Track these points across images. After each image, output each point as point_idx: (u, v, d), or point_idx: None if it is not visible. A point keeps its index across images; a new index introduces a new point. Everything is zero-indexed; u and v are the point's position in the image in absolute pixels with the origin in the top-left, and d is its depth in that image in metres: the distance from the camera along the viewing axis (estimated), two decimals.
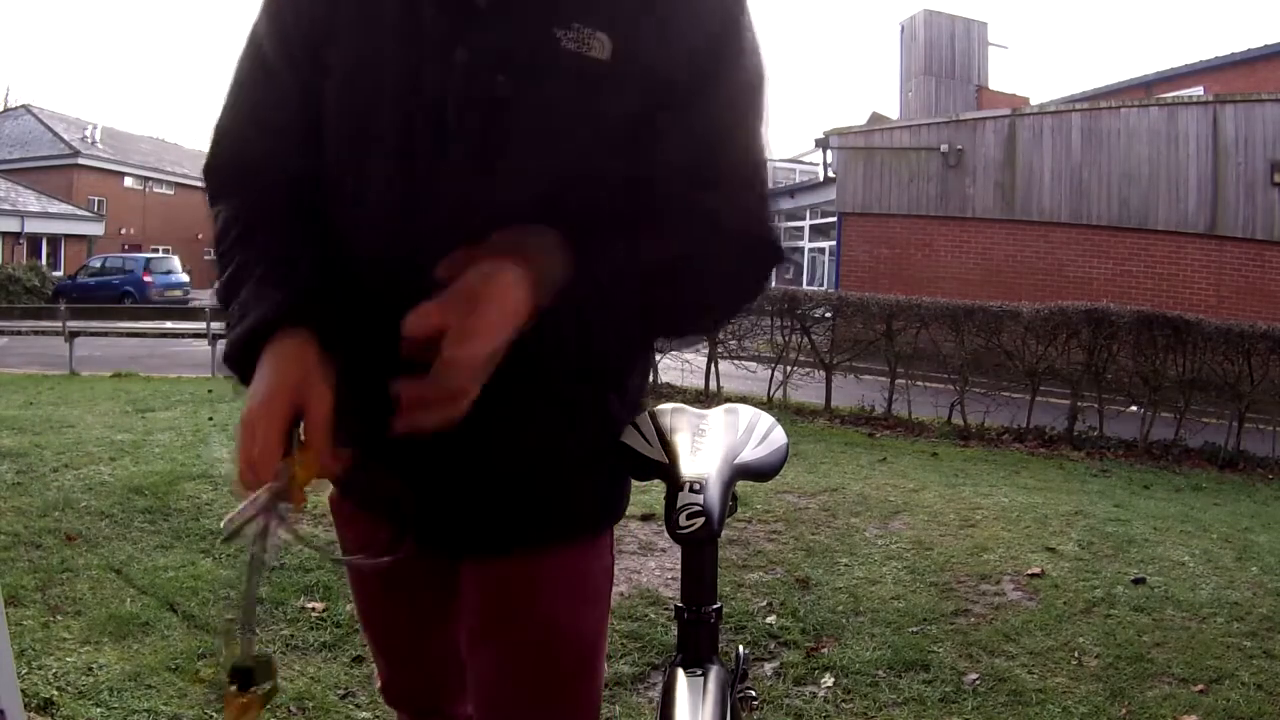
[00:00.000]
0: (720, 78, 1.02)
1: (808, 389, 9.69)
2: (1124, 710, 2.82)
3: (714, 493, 1.13)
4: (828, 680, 2.94)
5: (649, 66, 1.00)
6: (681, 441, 1.27)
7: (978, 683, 2.96)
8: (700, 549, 1.20)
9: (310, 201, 1.08)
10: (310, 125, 1.08)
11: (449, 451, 1.05)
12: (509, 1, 0.99)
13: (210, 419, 6.68)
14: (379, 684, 1.40)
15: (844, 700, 2.83)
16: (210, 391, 8.76)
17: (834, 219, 19.35)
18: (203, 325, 13.17)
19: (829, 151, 19.33)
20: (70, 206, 33.03)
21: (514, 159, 1.00)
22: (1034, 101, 21.47)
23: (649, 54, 1.00)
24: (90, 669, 2.69)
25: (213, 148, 1.13)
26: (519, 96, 0.99)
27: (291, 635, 3.02)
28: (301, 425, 0.95)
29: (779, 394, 9.63)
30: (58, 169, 34.51)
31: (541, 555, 1.14)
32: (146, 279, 27.48)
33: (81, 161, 35.41)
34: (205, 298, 27.45)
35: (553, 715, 1.18)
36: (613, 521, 1.22)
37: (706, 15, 1.02)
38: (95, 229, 33.70)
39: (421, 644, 1.31)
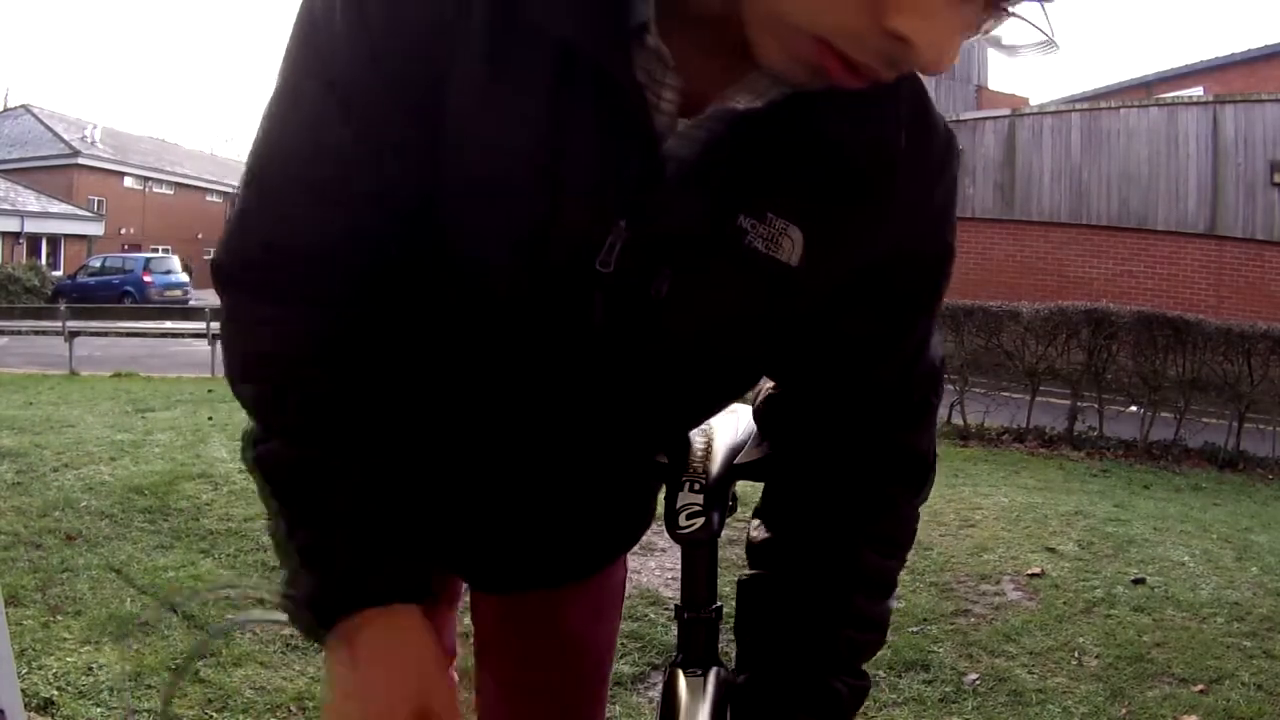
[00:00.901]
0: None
1: None
2: (1124, 710, 2.82)
3: (714, 493, 1.13)
4: None
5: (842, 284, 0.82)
6: (682, 442, 1.27)
7: (978, 683, 2.96)
8: (700, 549, 1.20)
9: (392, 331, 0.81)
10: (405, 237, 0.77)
11: (527, 529, 0.98)
12: (698, 176, 0.74)
13: (210, 419, 6.68)
14: None
15: None
16: (210, 391, 8.76)
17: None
18: (202, 325, 13.16)
19: None
20: (70, 206, 33.02)
21: (655, 374, 0.83)
22: (1034, 101, 21.48)
23: (844, 266, 0.81)
24: (90, 669, 2.69)
25: (247, 237, 0.77)
26: (676, 296, 0.77)
27: (291, 635, 3.02)
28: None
29: None
30: (57, 169, 34.50)
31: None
32: (146, 279, 27.45)
33: (81, 161, 35.40)
34: (205, 298, 27.51)
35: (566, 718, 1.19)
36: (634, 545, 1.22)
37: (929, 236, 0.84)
38: (95, 229, 33.69)
39: None
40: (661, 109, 0.72)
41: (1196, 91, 18.36)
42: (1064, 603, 3.66)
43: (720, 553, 1.14)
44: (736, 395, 0.98)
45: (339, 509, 0.76)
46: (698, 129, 0.74)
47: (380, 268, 0.77)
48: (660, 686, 1.14)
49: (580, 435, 0.87)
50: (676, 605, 1.20)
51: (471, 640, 1.22)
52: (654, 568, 3.81)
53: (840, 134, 0.75)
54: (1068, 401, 8.56)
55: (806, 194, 0.76)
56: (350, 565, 0.75)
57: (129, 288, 26.88)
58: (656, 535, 4.13)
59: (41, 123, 36.58)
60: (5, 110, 38.81)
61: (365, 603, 0.74)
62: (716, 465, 1.20)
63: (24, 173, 33.07)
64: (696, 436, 1.28)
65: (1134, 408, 8.64)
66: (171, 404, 7.69)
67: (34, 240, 30.88)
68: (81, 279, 27.47)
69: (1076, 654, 3.20)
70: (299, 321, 0.76)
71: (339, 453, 0.77)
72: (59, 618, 3.05)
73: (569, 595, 1.14)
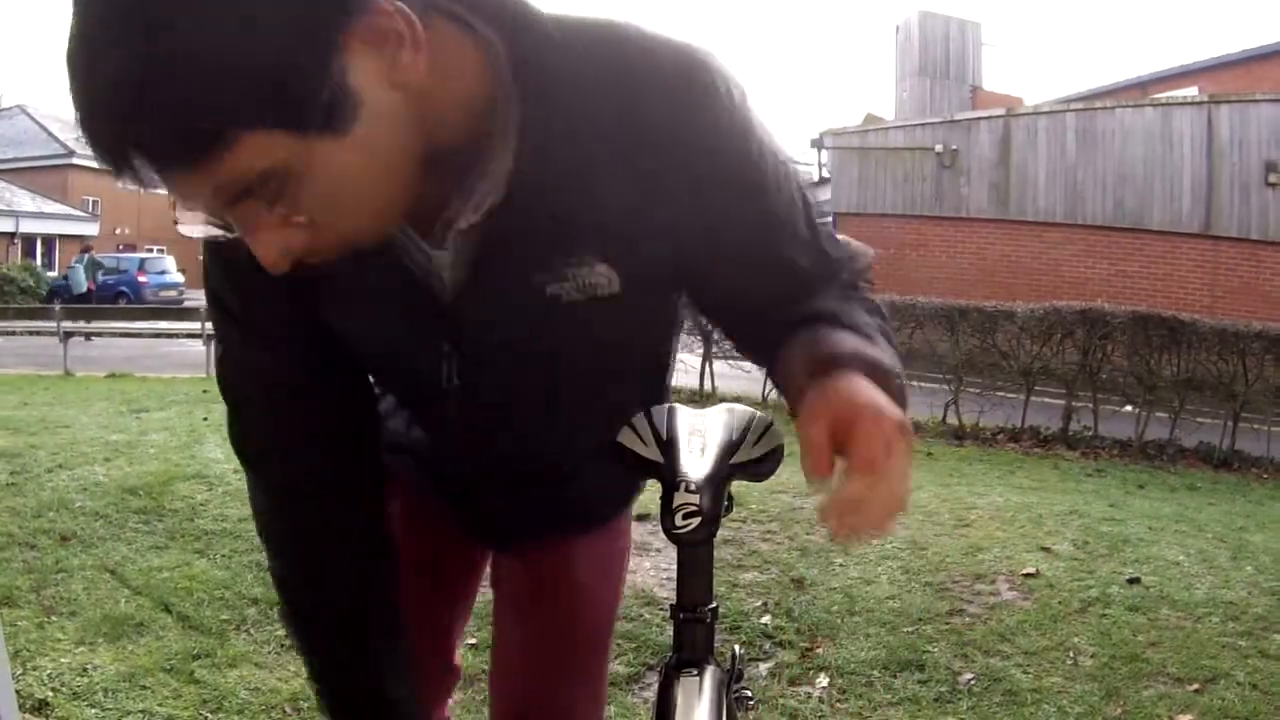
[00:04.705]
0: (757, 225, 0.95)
1: None
2: (1119, 710, 2.82)
3: (710, 492, 1.13)
4: (823, 680, 2.94)
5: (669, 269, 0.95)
6: (677, 441, 1.27)
7: (973, 682, 2.96)
8: (695, 549, 1.20)
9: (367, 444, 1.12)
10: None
11: (528, 485, 1.19)
12: (479, 274, 0.90)
13: (205, 419, 6.67)
14: None
15: (839, 700, 2.83)
16: (205, 392, 8.74)
17: (829, 219, 19.25)
18: (197, 326, 13.13)
19: (824, 151, 19.34)
20: (65, 206, 32.96)
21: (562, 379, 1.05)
22: (1029, 102, 21.48)
23: (665, 260, 0.93)
24: (85, 670, 2.69)
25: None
26: (528, 354, 0.99)
27: (286, 636, 3.02)
28: None
29: (774, 394, 9.63)
30: (52, 169, 34.42)
31: (576, 539, 1.30)
32: (141, 279, 27.37)
33: (76, 161, 35.28)
34: (199, 298, 27.38)
35: (570, 673, 1.33)
36: (628, 507, 1.37)
37: (720, 191, 0.91)
38: (90, 229, 33.63)
39: (425, 633, 1.34)
40: (414, 257, 0.91)
41: (1191, 91, 18.39)
42: (1059, 602, 3.67)
43: (715, 553, 1.14)
44: (650, 355, 1.18)
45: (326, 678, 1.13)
46: (447, 252, 0.90)
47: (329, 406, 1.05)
48: (655, 687, 1.14)
49: (530, 421, 1.09)
50: (672, 605, 1.20)
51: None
52: (649, 568, 3.81)
53: (571, 177, 0.86)
54: (1063, 401, 8.58)
55: (584, 238, 0.89)
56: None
57: (124, 288, 26.81)
58: (651, 535, 4.14)
59: (36, 122, 36.49)
60: (0, 110, 38.73)
61: None
62: (712, 464, 1.20)
63: (19, 173, 33.00)
64: (693, 436, 1.28)
65: (1129, 407, 8.66)
66: (166, 404, 7.68)
67: (29, 240, 30.82)
68: None
69: (1071, 654, 3.21)
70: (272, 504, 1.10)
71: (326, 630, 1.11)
72: (53, 618, 3.04)
73: (579, 552, 1.30)
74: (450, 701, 1.52)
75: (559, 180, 0.85)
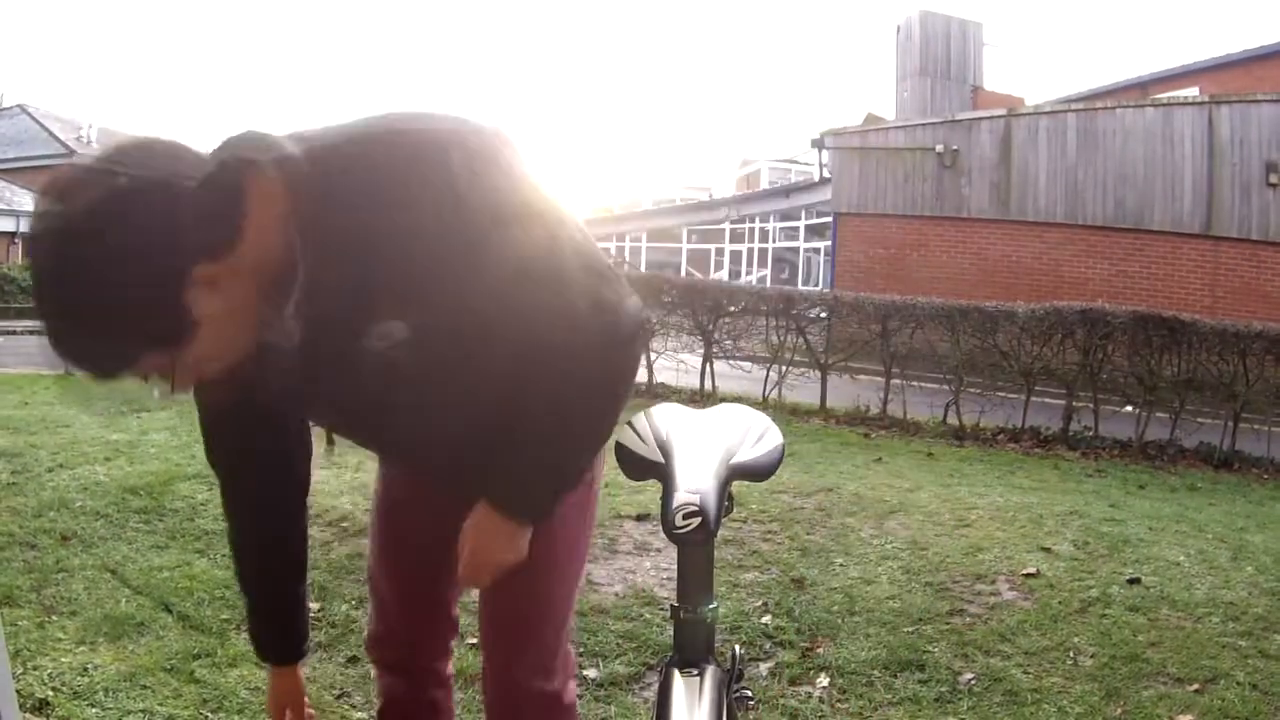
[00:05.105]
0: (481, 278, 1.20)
1: (803, 389, 9.69)
2: (1119, 710, 2.82)
3: (710, 493, 1.13)
4: (823, 680, 2.94)
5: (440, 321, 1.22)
6: (677, 442, 1.27)
7: (973, 682, 2.96)
8: (696, 549, 1.20)
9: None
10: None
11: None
12: (316, 330, 1.24)
13: None
14: (367, 635, 1.76)
15: (839, 700, 2.84)
16: None
17: (829, 219, 19.34)
18: None
19: (824, 151, 19.34)
20: None
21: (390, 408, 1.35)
22: (1029, 102, 21.44)
23: (433, 309, 1.21)
24: (85, 669, 2.69)
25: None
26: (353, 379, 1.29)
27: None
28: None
29: (774, 394, 9.63)
30: (53, 168, 34.28)
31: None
32: None
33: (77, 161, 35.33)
34: None
35: (529, 599, 1.50)
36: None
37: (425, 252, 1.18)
38: None
39: (423, 586, 1.66)
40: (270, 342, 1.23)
41: (1192, 92, 18.38)
42: (1059, 602, 3.67)
43: (715, 553, 1.14)
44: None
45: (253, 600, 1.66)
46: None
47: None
48: (656, 686, 1.14)
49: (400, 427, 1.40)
50: (672, 605, 1.20)
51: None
52: (649, 568, 3.81)
53: (348, 264, 1.18)
54: (1063, 402, 8.57)
55: (373, 304, 1.20)
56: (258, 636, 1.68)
57: None
58: (652, 535, 4.14)
59: (37, 122, 36.49)
60: (0, 110, 38.72)
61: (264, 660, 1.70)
62: (712, 465, 1.20)
63: (20, 172, 32.94)
64: (693, 436, 1.28)
65: (1129, 408, 8.66)
66: (166, 403, 7.68)
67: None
68: None
69: (1072, 654, 3.21)
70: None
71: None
72: (54, 618, 3.04)
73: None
74: (450, 662, 1.79)
75: (340, 270, 1.17)
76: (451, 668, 1.80)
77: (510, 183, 1.21)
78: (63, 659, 2.75)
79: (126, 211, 1.03)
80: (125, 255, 1.03)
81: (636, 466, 1.27)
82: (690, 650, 1.16)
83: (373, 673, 1.82)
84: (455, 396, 1.32)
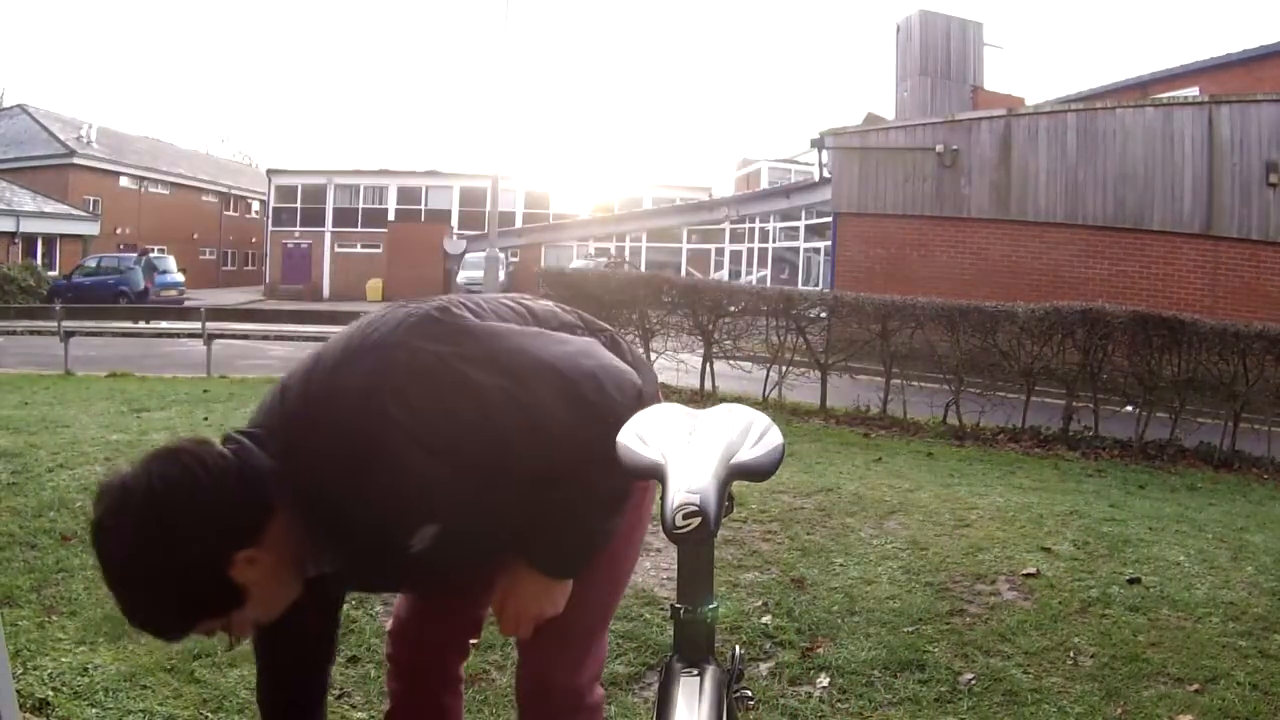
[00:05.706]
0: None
1: (803, 389, 9.70)
2: (1119, 710, 2.82)
3: (710, 493, 1.13)
4: (823, 680, 2.94)
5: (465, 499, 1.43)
6: (677, 442, 1.27)
7: (973, 682, 2.96)
8: (696, 549, 1.20)
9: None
10: None
11: None
12: (351, 559, 1.48)
13: (205, 419, 6.67)
14: (388, 630, 1.88)
15: (839, 700, 2.84)
16: (206, 391, 8.75)
17: (829, 219, 19.37)
18: (198, 325, 13.13)
19: (824, 152, 19.36)
20: (66, 206, 32.94)
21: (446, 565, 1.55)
22: (1029, 102, 21.46)
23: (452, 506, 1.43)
24: (85, 669, 2.69)
25: None
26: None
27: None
28: None
29: (774, 394, 9.64)
30: (53, 168, 34.42)
31: None
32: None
33: (77, 161, 35.32)
34: (200, 297, 27.44)
35: (576, 607, 1.61)
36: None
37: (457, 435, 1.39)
38: (91, 228, 33.61)
39: (448, 601, 1.80)
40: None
41: (1192, 92, 18.39)
42: (1059, 602, 3.67)
43: (715, 553, 1.14)
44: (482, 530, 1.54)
45: None
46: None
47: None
48: (656, 686, 1.14)
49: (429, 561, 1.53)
50: (672, 604, 1.20)
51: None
52: (649, 568, 3.81)
53: (335, 508, 1.40)
54: (1063, 401, 8.58)
55: (362, 535, 1.42)
56: None
57: (124, 287, 26.84)
58: (652, 535, 4.13)
59: (37, 122, 36.49)
60: (0, 110, 38.72)
61: None
62: (712, 465, 1.20)
63: (19, 172, 32.97)
64: (693, 437, 1.28)
65: (1129, 408, 8.66)
66: (167, 404, 7.68)
67: (29, 240, 30.79)
68: (77, 279, 27.39)
69: (1072, 654, 3.21)
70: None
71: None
72: (54, 618, 3.05)
73: None
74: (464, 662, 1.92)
75: (351, 519, 1.39)
76: (463, 670, 1.90)
77: (457, 388, 1.38)
78: (63, 659, 2.75)
79: (171, 520, 1.31)
80: (174, 552, 1.31)
81: (637, 466, 1.27)
82: (690, 650, 1.16)
83: (379, 673, 1.87)
84: (485, 541, 1.53)
